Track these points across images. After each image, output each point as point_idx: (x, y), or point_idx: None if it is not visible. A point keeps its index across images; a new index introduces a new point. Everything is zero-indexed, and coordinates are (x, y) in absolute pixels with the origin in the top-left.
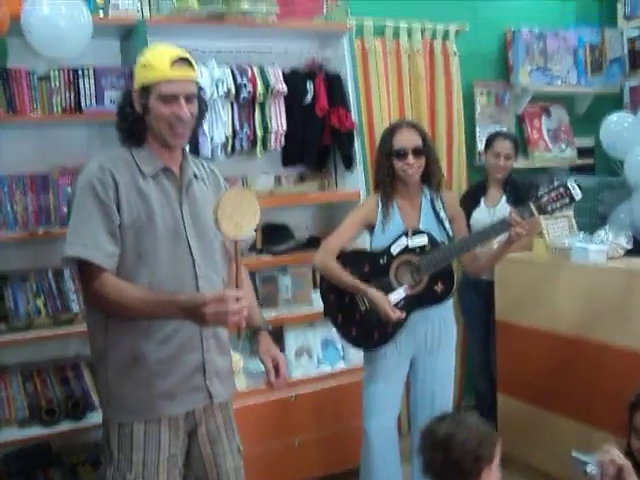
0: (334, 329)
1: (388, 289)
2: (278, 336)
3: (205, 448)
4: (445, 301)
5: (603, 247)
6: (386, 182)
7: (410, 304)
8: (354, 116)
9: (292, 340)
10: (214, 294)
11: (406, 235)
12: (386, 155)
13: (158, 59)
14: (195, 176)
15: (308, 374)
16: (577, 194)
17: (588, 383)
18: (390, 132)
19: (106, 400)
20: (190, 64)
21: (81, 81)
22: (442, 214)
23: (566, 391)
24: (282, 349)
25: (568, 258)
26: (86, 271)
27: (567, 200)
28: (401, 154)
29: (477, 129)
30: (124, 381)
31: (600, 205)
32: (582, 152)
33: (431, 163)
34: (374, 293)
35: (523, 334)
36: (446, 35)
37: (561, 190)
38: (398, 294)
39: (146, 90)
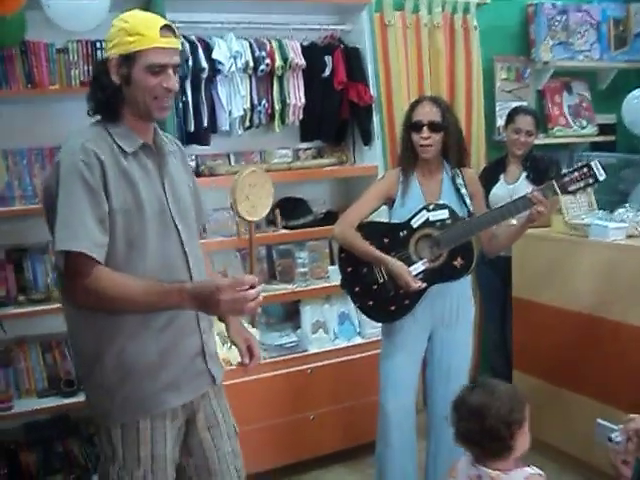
0: (351, 301)
1: (407, 262)
2: (294, 310)
3: (204, 433)
4: (464, 276)
5: (622, 225)
6: (405, 156)
7: (429, 278)
8: (373, 91)
9: (308, 315)
10: (230, 280)
11: (427, 209)
12: (406, 128)
13: (145, 26)
14: (169, 151)
15: (324, 348)
16: (601, 174)
17: (605, 361)
18: (412, 106)
19: (107, 403)
20: (174, 33)
21: (99, 54)
22: (463, 190)
23: (582, 368)
24: (298, 324)
25: (587, 235)
26: (76, 265)
27: (590, 180)
28: (417, 127)
29: (497, 104)
30: (125, 380)
31: (621, 183)
32: (603, 129)
33: (450, 139)
34: (394, 263)
35: (540, 311)
36: (467, 9)
37: (585, 170)
38: (417, 267)
39: (129, 59)
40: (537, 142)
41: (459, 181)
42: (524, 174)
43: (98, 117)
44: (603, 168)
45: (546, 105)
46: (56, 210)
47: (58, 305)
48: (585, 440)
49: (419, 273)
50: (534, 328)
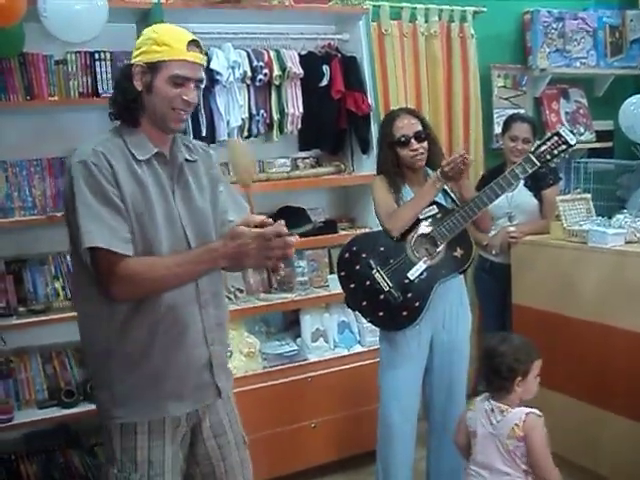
0: (355, 314)
1: (408, 265)
2: (294, 319)
3: (210, 442)
4: (467, 266)
5: (621, 231)
6: (391, 172)
7: (434, 275)
8: (370, 100)
9: (308, 323)
10: (255, 231)
11: None
12: (388, 145)
13: (174, 38)
14: (186, 160)
15: (324, 357)
16: (572, 139)
17: (605, 368)
18: (388, 122)
19: (109, 400)
20: (201, 49)
21: (98, 65)
22: (445, 186)
23: (582, 375)
24: (298, 332)
25: (586, 242)
26: (105, 261)
27: (564, 146)
28: (404, 142)
29: (494, 112)
30: (127, 377)
31: (619, 189)
32: (601, 135)
33: (433, 146)
34: (436, 174)
35: (539, 318)
36: (464, 17)
37: (555, 139)
38: (419, 267)
39: (153, 68)
40: None
41: None
42: (522, 181)
43: (117, 123)
44: (572, 132)
45: (543, 112)
46: (76, 213)
47: (58, 315)
48: (586, 447)
49: (422, 272)
50: (534, 335)
